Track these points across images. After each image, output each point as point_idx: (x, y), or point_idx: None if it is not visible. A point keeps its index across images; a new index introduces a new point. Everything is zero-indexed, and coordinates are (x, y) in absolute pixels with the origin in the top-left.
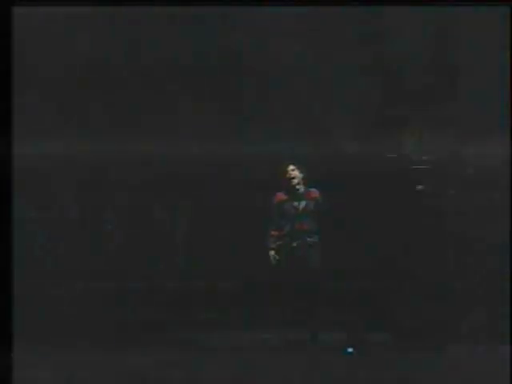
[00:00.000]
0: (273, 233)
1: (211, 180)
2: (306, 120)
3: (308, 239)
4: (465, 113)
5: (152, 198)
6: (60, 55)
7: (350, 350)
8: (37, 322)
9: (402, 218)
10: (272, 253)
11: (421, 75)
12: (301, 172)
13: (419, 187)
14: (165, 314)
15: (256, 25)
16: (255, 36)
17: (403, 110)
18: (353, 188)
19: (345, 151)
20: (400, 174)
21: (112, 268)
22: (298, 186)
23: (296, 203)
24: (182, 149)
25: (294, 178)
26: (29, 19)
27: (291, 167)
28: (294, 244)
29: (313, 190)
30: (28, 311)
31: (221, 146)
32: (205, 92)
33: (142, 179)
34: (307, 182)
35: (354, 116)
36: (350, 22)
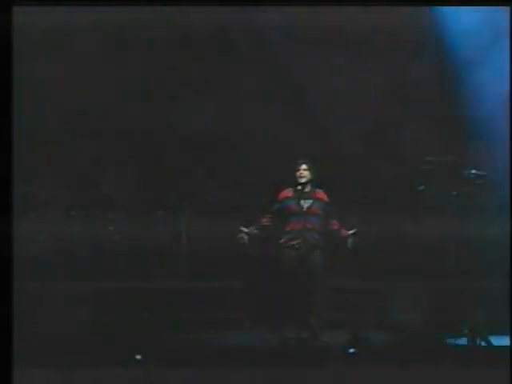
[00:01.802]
0: (263, 220)
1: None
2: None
3: (311, 238)
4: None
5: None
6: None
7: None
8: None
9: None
10: (243, 235)
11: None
12: (311, 173)
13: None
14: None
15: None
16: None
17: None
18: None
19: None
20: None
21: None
22: (306, 186)
23: (302, 201)
24: None
25: (304, 177)
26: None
27: (303, 166)
28: (297, 241)
29: (319, 190)
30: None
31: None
32: None
33: None
34: (315, 182)
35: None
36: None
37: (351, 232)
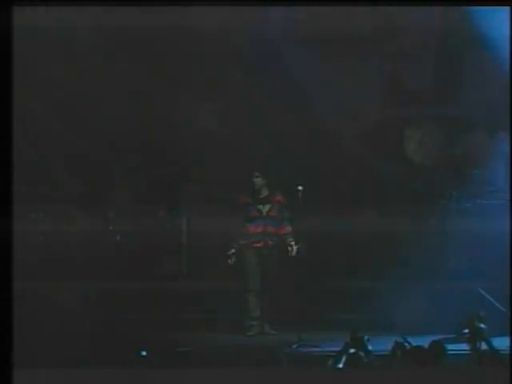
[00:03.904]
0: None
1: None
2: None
3: (271, 241)
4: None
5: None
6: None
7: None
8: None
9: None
10: (231, 251)
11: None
12: (264, 178)
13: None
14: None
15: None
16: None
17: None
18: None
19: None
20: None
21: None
22: (260, 191)
23: (260, 206)
24: None
25: (256, 184)
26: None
27: (256, 173)
28: (259, 244)
29: (278, 193)
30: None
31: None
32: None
33: None
34: (271, 187)
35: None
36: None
37: (295, 245)
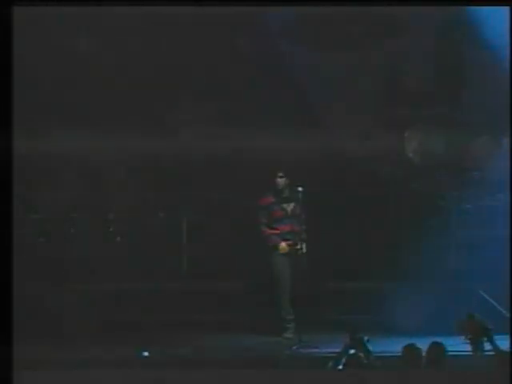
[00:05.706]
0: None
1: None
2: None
3: (298, 240)
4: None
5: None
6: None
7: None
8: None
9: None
10: (283, 244)
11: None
12: (287, 178)
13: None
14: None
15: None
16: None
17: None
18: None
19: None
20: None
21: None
22: (284, 190)
23: (285, 205)
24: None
25: (279, 184)
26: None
27: (279, 174)
28: (284, 244)
29: (299, 191)
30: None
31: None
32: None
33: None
34: (293, 187)
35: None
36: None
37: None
